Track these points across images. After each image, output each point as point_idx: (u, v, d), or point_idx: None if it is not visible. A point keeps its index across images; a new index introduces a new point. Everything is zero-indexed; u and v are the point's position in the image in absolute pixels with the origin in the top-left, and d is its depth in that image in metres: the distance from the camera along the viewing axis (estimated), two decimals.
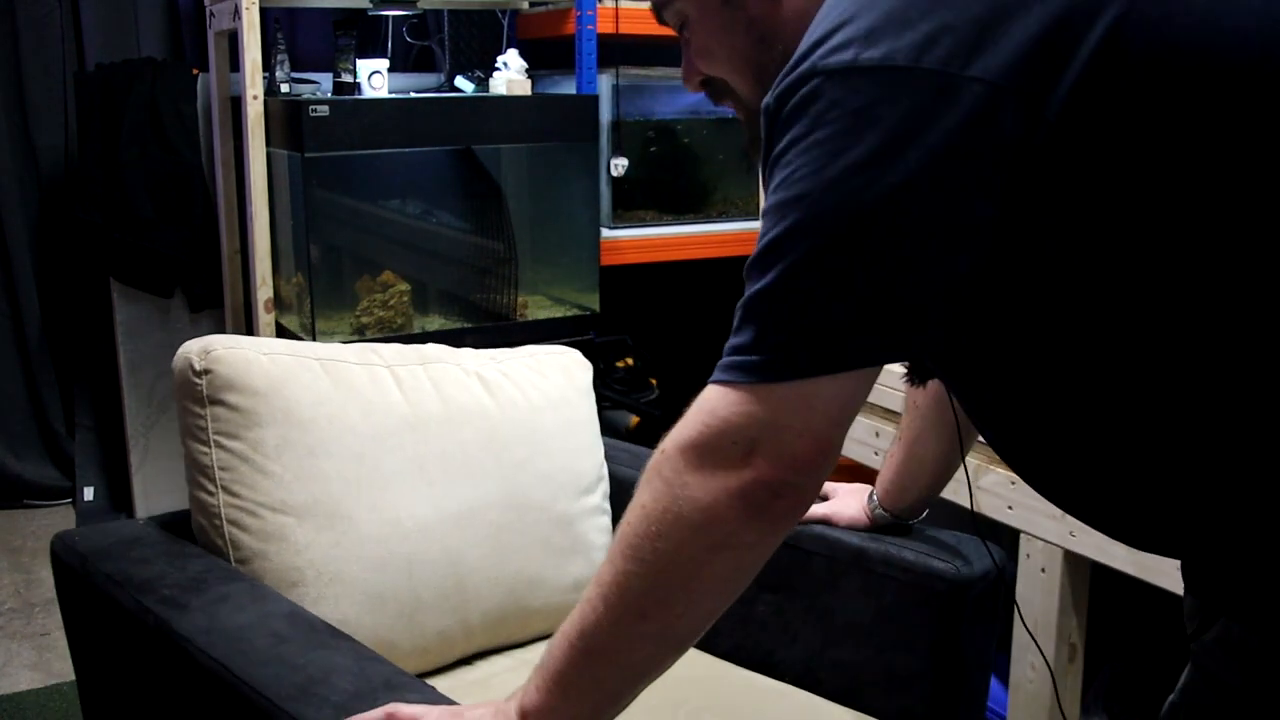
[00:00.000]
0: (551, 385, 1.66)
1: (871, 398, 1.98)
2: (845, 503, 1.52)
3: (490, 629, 1.55)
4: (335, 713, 1.03)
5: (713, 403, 0.79)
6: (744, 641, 1.53)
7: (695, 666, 1.51)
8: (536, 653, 1.48)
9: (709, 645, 1.55)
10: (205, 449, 1.40)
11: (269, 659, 1.14)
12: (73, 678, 2.46)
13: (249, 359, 1.41)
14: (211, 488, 1.39)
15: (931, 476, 1.43)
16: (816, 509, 1.51)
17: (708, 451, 0.79)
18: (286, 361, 1.44)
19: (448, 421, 1.54)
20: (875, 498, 1.49)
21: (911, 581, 1.41)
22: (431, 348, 1.65)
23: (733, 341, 0.79)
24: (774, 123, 0.77)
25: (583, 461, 1.65)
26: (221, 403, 1.40)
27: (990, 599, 1.44)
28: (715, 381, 0.79)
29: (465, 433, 1.54)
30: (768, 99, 0.78)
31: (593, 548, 1.64)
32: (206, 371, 1.40)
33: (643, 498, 0.83)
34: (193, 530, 1.44)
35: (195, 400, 1.40)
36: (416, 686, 1.11)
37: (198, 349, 1.42)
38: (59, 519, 3.33)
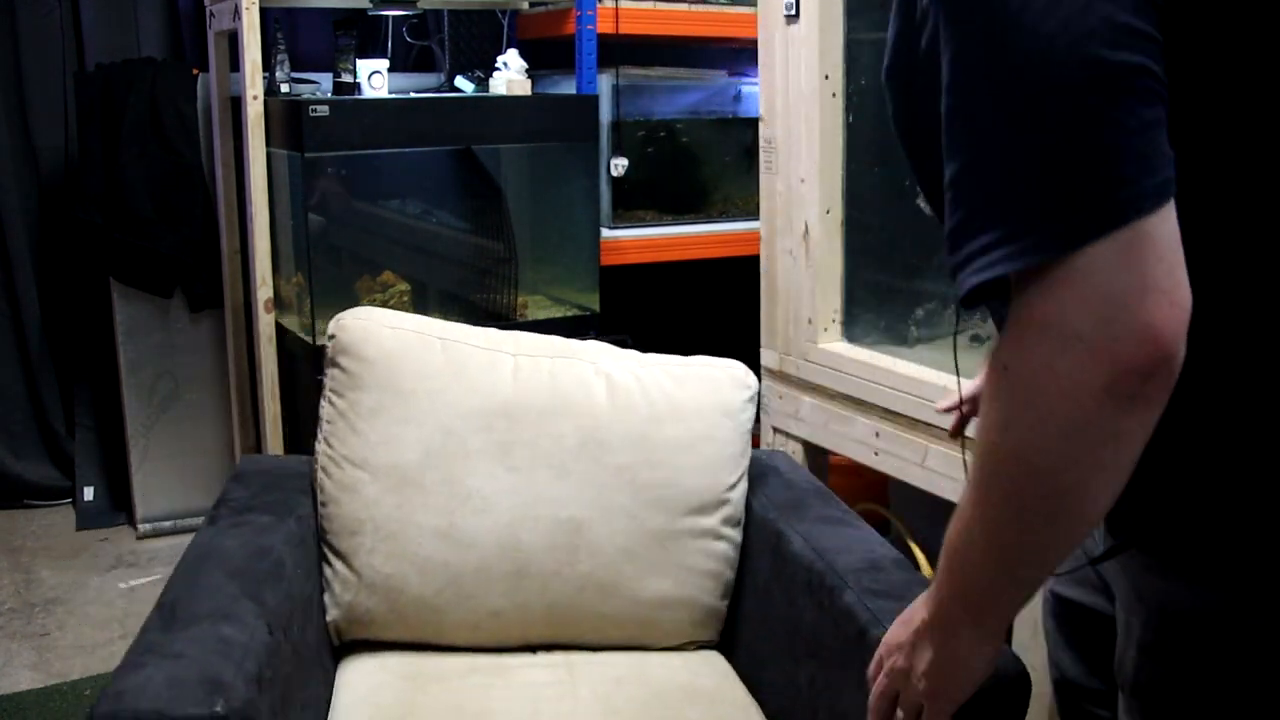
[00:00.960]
0: (686, 397, 1.60)
1: (871, 397, 1.98)
2: None
3: (556, 623, 1.55)
4: (169, 625, 1.19)
5: (1036, 297, 0.72)
6: (786, 704, 1.45)
7: None
8: (598, 662, 1.52)
9: (761, 702, 1.49)
10: (323, 403, 1.58)
11: (193, 575, 1.30)
12: (73, 677, 2.45)
13: (368, 329, 1.57)
14: (319, 437, 1.57)
15: None
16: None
17: (1057, 352, 0.72)
18: (407, 337, 1.58)
19: (550, 414, 1.55)
20: None
21: None
22: (577, 344, 1.66)
23: (990, 237, 0.73)
24: None
25: (700, 480, 1.57)
26: (337, 365, 1.57)
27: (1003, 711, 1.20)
28: (1015, 273, 0.72)
29: (565, 428, 1.55)
30: None
31: (691, 570, 1.56)
32: (333, 336, 1.59)
33: (1019, 423, 0.76)
34: None
35: (325, 361, 1.60)
36: (242, 617, 1.22)
37: (336, 317, 1.61)
38: (59, 519, 3.33)
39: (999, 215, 0.73)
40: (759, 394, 1.68)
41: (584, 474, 1.54)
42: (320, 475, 1.55)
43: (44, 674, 2.48)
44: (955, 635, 0.91)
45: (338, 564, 1.53)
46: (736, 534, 1.61)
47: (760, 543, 1.60)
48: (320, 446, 1.56)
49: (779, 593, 1.51)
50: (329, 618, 1.53)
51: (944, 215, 0.78)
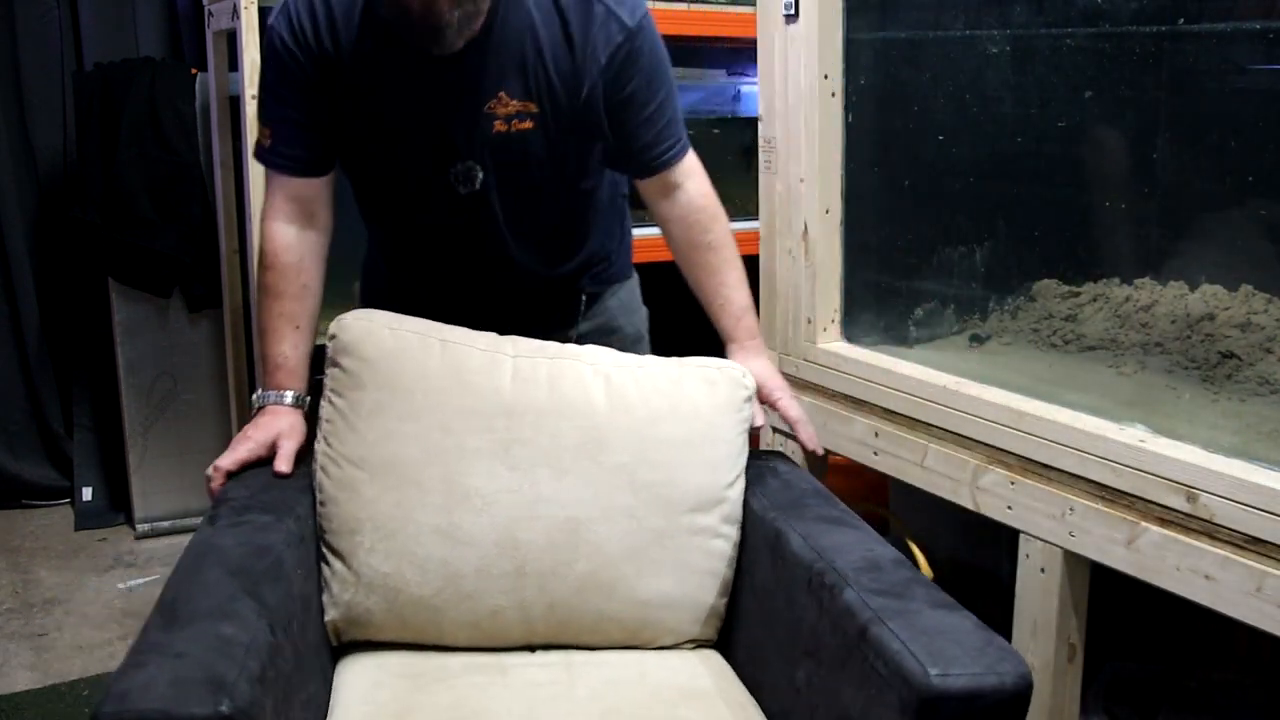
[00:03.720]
0: (683, 397, 1.62)
1: (870, 397, 1.98)
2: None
3: (556, 623, 1.55)
4: (170, 624, 1.19)
5: (691, 163, 1.82)
6: (784, 704, 1.44)
7: None
8: (596, 662, 1.54)
9: (759, 701, 1.48)
10: (322, 403, 1.59)
11: (193, 574, 1.31)
12: (71, 677, 2.45)
13: (369, 329, 1.58)
14: (319, 436, 1.58)
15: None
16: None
17: (707, 179, 1.84)
18: (408, 337, 1.58)
19: (549, 414, 1.56)
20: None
21: (886, 678, 1.21)
22: (575, 347, 1.67)
23: (680, 140, 1.76)
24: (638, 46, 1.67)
25: (698, 478, 1.59)
26: (337, 364, 1.58)
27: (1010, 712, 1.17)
28: (684, 151, 1.79)
29: (564, 428, 1.56)
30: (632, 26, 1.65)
31: (689, 569, 1.58)
32: (334, 336, 1.59)
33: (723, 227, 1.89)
34: None
35: (326, 361, 1.60)
36: (243, 615, 1.22)
37: (338, 317, 1.61)
38: (57, 519, 3.33)
39: (680, 133, 1.76)
40: (756, 394, 1.69)
41: (583, 473, 1.55)
42: (319, 474, 1.56)
43: (42, 674, 2.48)
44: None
45: (336, 563, 1.53)
46: (735, 532, 1.62)
47: (759, 542, 1.59)
48: (319, 445, 1.57)
49: (778, 592, 1.51)
50: (328, 617, 1.53)
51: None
